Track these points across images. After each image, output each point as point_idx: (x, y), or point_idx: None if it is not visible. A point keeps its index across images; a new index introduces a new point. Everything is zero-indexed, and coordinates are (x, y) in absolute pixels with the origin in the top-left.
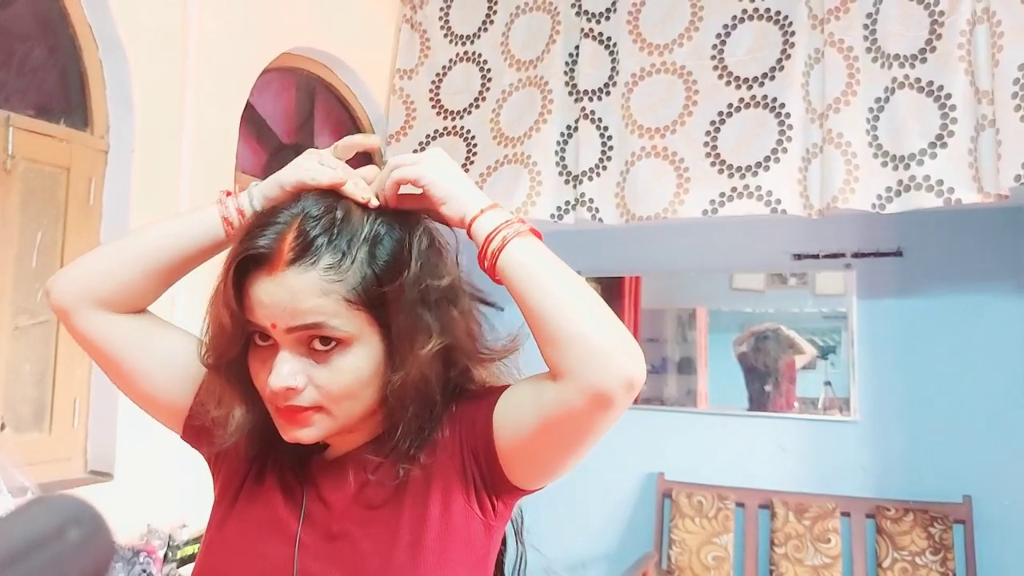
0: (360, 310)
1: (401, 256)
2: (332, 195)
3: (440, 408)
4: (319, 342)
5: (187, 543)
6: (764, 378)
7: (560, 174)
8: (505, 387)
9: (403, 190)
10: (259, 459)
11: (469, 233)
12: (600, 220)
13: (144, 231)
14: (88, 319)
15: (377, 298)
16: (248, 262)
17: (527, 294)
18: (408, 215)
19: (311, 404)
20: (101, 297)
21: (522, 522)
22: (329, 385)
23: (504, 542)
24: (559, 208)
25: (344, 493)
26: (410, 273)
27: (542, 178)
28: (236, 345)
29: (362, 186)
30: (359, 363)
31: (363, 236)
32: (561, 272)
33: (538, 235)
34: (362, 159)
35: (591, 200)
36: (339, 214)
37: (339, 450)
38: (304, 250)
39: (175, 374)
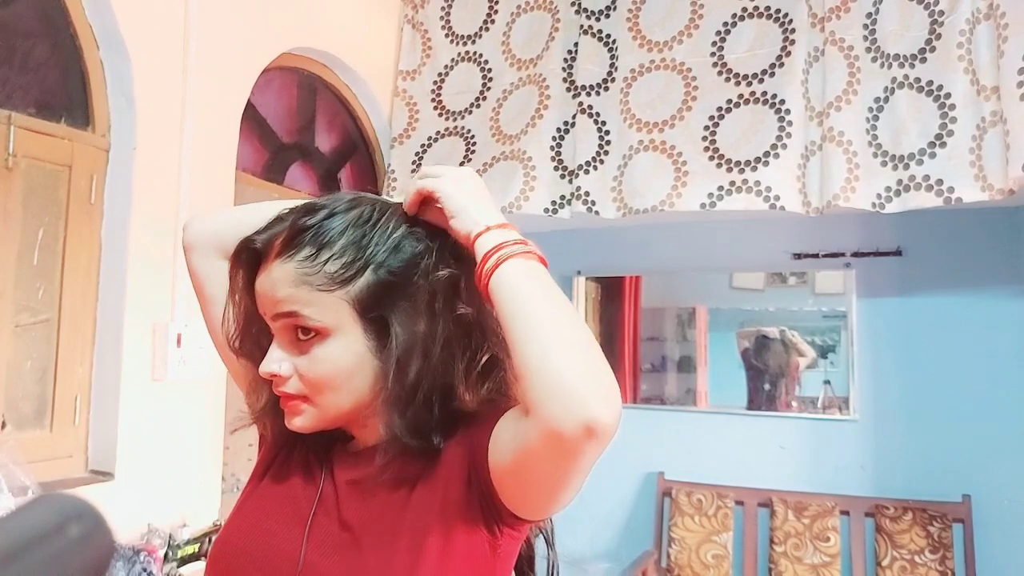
0: (338, 301)
1: (406, 264)
2: (371, 199)
3: (444, 418)
4: (301, 332)
5: (187, 542)
6: (764, 377)
7: (555, 168)
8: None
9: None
10: (290, 442)
11: (472, 250)
12: (596, 213)
13: (277, 202)
14: (201, 259)
15: (360, 293)
16: (250, 256)
17: (507, 317)
18: (437, 233)
19: (297, 392)
20: (218, 243)
21: (553, 531)
22: (307, 374)
23: (532, 549)
24: (554, 202)
25: (355, 486)
26: (405, 280)
27: (537, 173)
28: (248, 331)
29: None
30: (335, 354)
31: (366, 234)
32: (550, 300)
33: (543, 261)
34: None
35: (587, 193)
36: (339, 208)
37: (363, 443)
38: (288, 242)
39: None
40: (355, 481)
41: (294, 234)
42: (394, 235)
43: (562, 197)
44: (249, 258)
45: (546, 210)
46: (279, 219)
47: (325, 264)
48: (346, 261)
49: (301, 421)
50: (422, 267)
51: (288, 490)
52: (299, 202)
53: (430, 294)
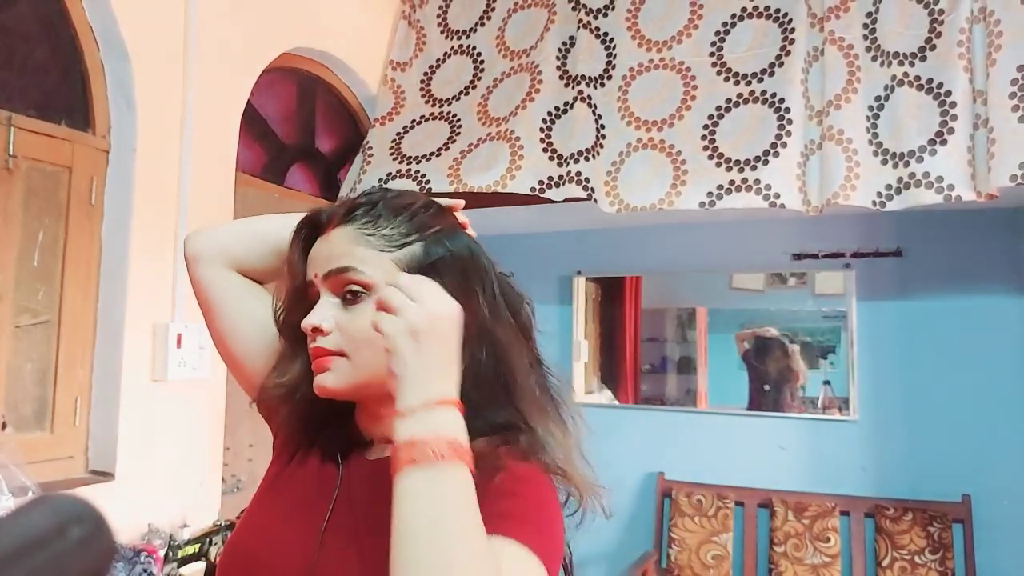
0: (390, 262)
1: (452, 250)
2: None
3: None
4: (349, 293)
5: (188, 543)
6: (764, 377)
7: (544, 150)
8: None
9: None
10: (308, 443)
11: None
12: (595, 201)
13: (289, 215)
14: (207, 268)
15: (411, 259)
16: (312, 229)
17: (391, 528)
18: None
19: (335, 347)
20: (226, 253)
21: (571, 560)
22: (349, 326)
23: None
24: (541, 182)
25: (367, 500)
26: (452, 262)
27: (524, 152)
28: (293, 306)
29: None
30: None
31: (418, 214)
32: (433, 539)
33: (471, 468)
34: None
35: (587, 180)
36: (392, 194)
37: (378, 440)
38: (349, 212)
39: (260, 341)
40: (367, 495)
41: (356, 206)
42: (444, 224)
43: (549, 178)
44: (310, 232)
45: (532, 189)
46: (343, 202)
47: (383, 228)
48: (402, 231)
49: (332, 379)
50: (470, 261)
51: (303, 495)
52: (303, 214)
53: (477, 289)
